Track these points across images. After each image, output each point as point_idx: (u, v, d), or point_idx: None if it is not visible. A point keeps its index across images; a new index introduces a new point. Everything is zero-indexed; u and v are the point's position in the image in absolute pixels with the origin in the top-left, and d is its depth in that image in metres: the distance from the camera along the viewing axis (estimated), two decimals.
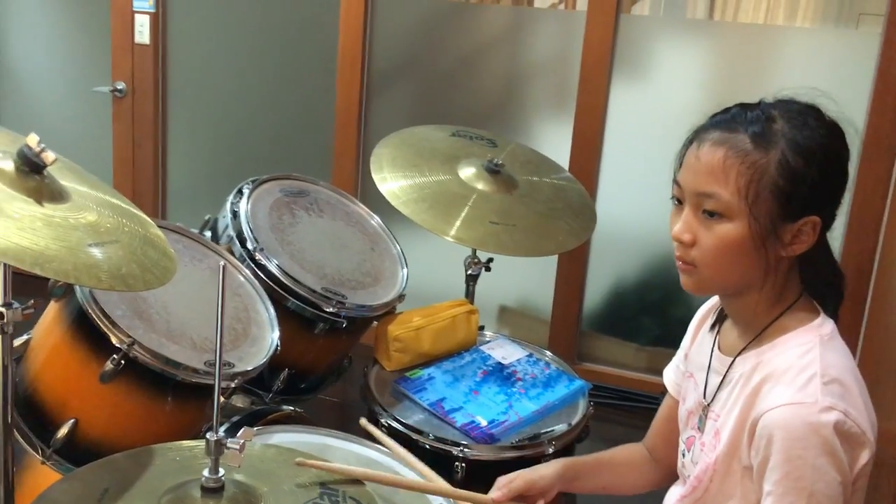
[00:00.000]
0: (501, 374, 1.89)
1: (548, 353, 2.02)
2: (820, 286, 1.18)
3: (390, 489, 1.37)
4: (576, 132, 2.80)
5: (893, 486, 1.82)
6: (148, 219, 1.36)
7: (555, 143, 2.80)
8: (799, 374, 1.08)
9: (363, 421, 1.59)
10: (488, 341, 2.04)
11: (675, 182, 1.17)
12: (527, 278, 2.95)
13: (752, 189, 1.08)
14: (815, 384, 1.06)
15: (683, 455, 1.30)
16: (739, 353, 1.18)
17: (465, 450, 1.61)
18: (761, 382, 1.12)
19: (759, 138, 1.09)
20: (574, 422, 1.76)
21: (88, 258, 1.11)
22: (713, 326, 1.29)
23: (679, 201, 1.16)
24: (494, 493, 1.36)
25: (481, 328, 2.06)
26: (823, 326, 1.14)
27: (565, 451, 1.69)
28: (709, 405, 1.23)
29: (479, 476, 1.43)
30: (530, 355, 1.98)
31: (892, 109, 2.48)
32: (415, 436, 1.64)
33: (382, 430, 1.55)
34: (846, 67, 2.56)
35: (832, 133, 1.12)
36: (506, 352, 1.98)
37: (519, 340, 2.06)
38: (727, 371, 1.20)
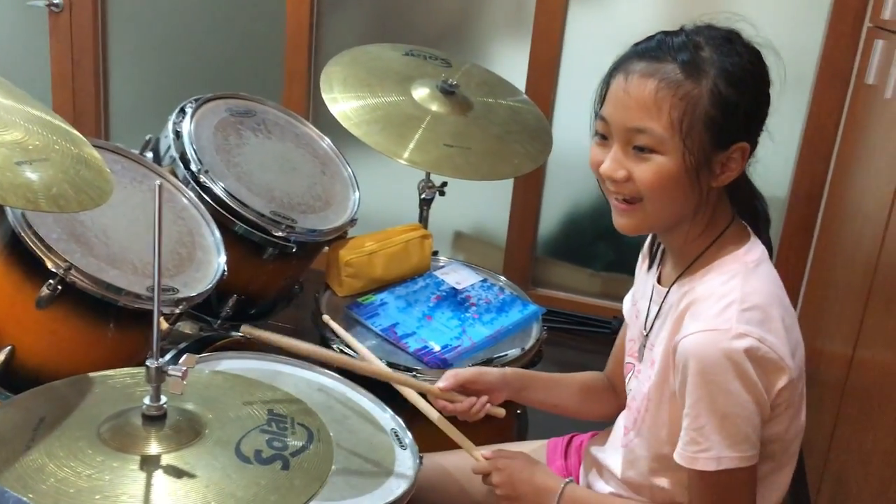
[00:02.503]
0: (455, 300, 1.87)
1: (502, 278, 2.01)
2: (750, 209, 1.19)
3: (343, 413, 1.36)
4: (532, 54, 2.74)
5: (835, 406, 1.87)
6: (82, 137, 1.28)
7: (511, 64, 2.73)
8: (717, 302, 1.08)
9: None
10: (442, 266, 2.01)
11: (599, 117, 1.13)
12: (482, 203, 2.92)
13: (685, 122, 1.06)
14: (731, 311, 1.06)
15: (628, 383, 1.31)
16: (673, 284, 1.19)
17: (418, 375, 1.60)
18: (685, 310, 1.13)
19: (690, 67, 1.06)
20: (527, 346, 1.76)
21: (16, 177, 1.04)
22: (653, 257, 1.29)
23: (604, 137, 1.13)
24: (441, 382, 1.38)
25: (435, 253, 2.03)
26: (750, 253, 1.14)
27: None
28: (647, 335, 1.24)
29: (431, 401, 1.43)
30: (484, 280, 1.97)
31: (847, 37, 2.48)
32: None
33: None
34: None
35: (757, 58, 1.11)
36: (460, 277, 1.97)
37: (473, 265, 2.04)
38: (662, 301, 1.20)
